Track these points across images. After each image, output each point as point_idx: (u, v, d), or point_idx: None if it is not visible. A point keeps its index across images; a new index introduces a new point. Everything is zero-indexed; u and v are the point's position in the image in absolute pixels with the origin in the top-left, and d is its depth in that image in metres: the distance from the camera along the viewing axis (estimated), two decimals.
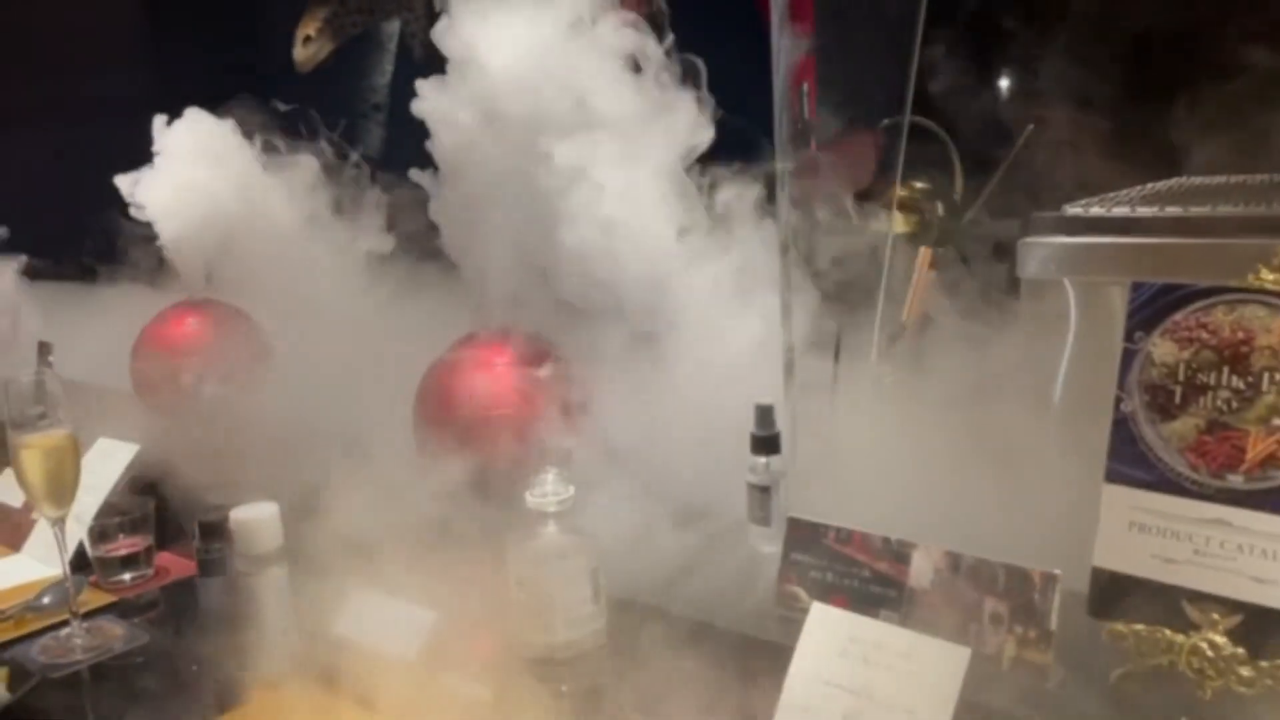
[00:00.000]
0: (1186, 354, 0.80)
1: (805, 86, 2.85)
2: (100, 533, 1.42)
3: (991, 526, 1.06)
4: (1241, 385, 0.78)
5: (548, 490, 0.98)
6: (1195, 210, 1.11)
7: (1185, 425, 0.80)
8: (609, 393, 1.31)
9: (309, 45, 2.81)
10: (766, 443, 1.15)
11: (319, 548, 1.28)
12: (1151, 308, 0.83)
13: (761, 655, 0.97)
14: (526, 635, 0.98)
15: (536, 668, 0.98)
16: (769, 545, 1.12)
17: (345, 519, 1.30)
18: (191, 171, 1.62)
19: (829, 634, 0.93)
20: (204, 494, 1.32)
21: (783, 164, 1.28)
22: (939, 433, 1.40)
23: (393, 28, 2.85)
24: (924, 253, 1.69)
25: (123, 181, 1.65)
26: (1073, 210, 1.18)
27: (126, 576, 1.43)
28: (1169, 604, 0.79)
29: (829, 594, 0.98)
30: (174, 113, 1.72)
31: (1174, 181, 1.38)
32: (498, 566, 1.07)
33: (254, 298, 1.62)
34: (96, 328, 1.76)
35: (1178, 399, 0.80)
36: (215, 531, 1.22)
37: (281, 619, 1.20)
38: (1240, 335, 0.78)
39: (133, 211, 1.66)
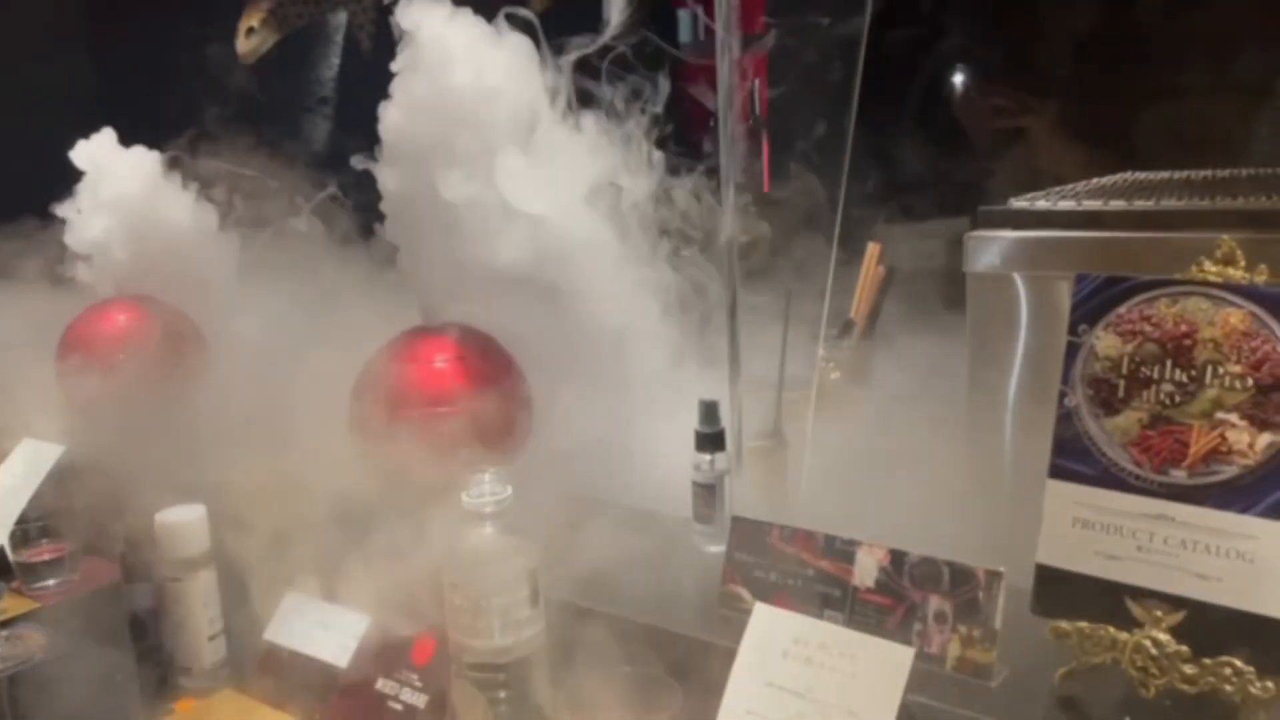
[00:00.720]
0: (1130, 347, 0.79)
1: (756, 82, 2.84)
2: (22, 537, 1.37)
3: (937, 523, 1.05)
4: (1184, 379, 0.76)
5: (485, 491, 0.95)
6: (1140, 204, 1.11)
7: (1128, 419, 0.79)
8: (552, 389, 1.29)
9: (252, 37, 2.75)
10: (711, 440, 1.13)
11: (249, 551, 1.24)
12: (1095, 301, 0.82)
13: (704, 657, 0.95)
14: (463, 639, 0.95)
15: (474, 672, 0.95)
16: (714, 544, 1.10)
17: (277, 521, 1.26)
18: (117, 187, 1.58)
19: (772, 635, 0.91)
20: (131, 496, 1.27)
21: (728, 162, 1.26)
22: (887, 429, 1.39)
23: (339, 19, 2.80)
24: (872, 249, 1.68)
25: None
26: (1019, 204, 1.17)
27: (50, 582, 1.37)
28: (1112, 601, 0.78)
29: (773, 594, 0.96)
30: (106, 105, 1.67)
31: (1119, 176, 1.38)
32: (434, 569, 1.04)
33: (179, 295, 1.57)
34: (19, 325, 1.69)
35: (1121, 393, 0.79)
36: (141, 535, 1.17)
37: (210, 625, 1.16)
38: (1183, 328, 0.77)
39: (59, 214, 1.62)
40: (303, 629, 1.12)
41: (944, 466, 1.18)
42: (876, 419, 1.41)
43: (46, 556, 1.38)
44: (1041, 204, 1.16)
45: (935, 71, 2.24)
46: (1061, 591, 0.81)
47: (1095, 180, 1.30)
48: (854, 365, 1.57)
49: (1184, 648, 0.75)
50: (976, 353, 1.17)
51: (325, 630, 1.10)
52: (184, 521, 1.14)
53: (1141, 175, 1.36)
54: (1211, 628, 0.74)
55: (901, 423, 1.38)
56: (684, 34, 2.78)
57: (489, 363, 1.25)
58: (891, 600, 0.90)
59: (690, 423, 1.14)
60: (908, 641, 0.87)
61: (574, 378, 1.25)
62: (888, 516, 1.09)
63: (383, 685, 1.05)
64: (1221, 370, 0.75)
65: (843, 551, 0.94)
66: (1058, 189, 1.25)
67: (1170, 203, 1.08)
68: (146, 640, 1.19)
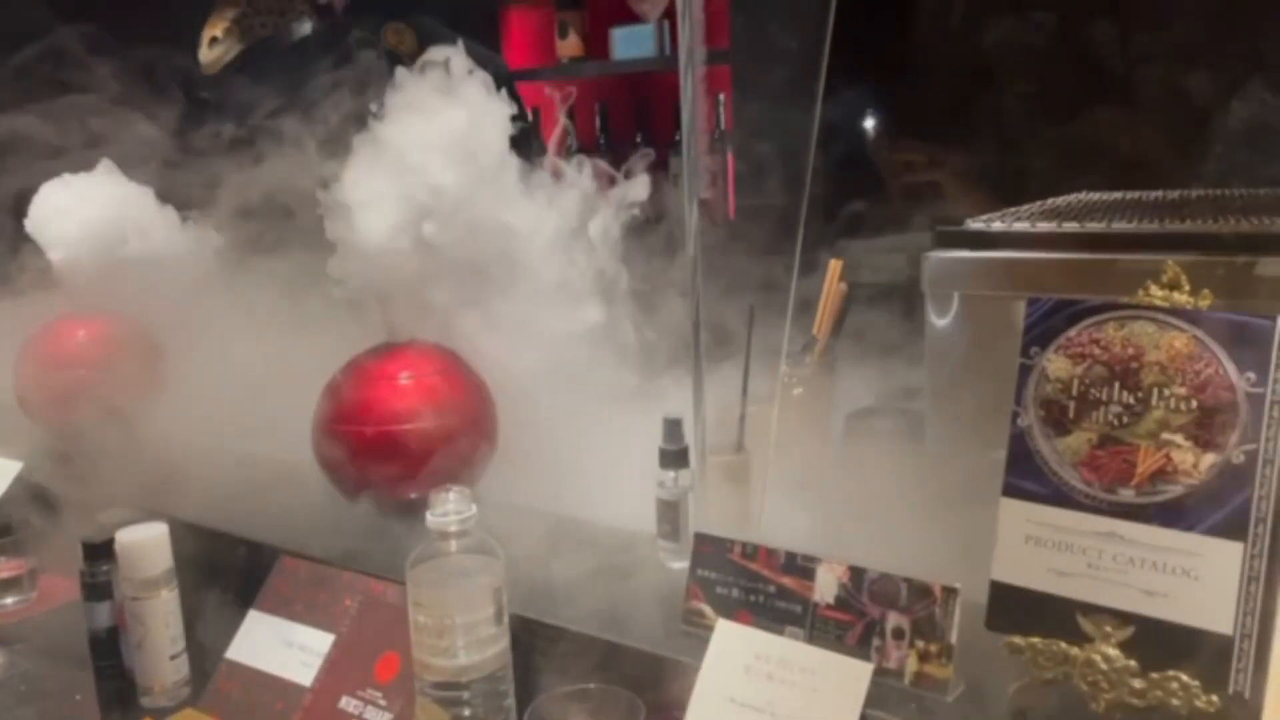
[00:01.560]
0: (1079, 369, 0.81)
1: (721, 97, 2.86)
2: None
3: (897, 540, 1.07)
4: (1132, 400, 0.79)
5: (449, 509, 0.95)
6: (1091, 226, 1.13)
7: (1078, 440, 0.81)
8: (517, 405, 1.29)
9: (215, 47, 2.73)
10: (675, 456, 1.14)
11: (212, 569, 1.24)
12: (1046, 324, 0.84)
13: (668, 674, 0.96)
14: (427, 658, 0.95)
15: (438, 691, 0.95)
16: (678, 561, 1.11)
17: (240, 538, 1.26)
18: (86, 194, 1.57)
19: (734, 651, 0.92)
20: (91, 513, 1.26)
21: (691, 175, 1.28)
22: (848, 445, 1.41)
23: (304, 29, 2.78)
24: (834, 265, 1.70)
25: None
26: (975, 225, 1.20)
27: (8, 601, 1.36)
28: (1064, 617, 0.80)
29: (735, 610, 0.97)
30: (64, 115, 1.65)
31: (1074, 197, 1.42)
32: (399, 587, 1.04)
33: (143, 310, 1.56)
34: None
35: (1071, 414, 0.81)
36: (101, 553, 1.16)
37: (171, 644, 1.15)
38: (1130, 351, 0.79)
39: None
40: (265, 647, 1.11)
41: (904, 483, 1.20)
42: (838, 435, 1.43)
43: (4, 575, 1.36)
44: (997, 225, 1.19)
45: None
46: (1015, 607, 0.83)
47: (1050, 201, 1.33)
48: (816, 381, 1.59)
49: (1133, 662, 0.77)
50: (935, 371, 1.20)
51: (288, 648, 1.10)
52: (145, 540, 1.13)
53: (1095, 196, 1.39)
54: (1159, 643, 0.76)
55: (863, 439, 1.40)
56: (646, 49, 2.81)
57: (454, 379, 1.26)
58: (851, 616, 0.92)
59: (655, 439, 1.16)
60: (866, 657, 0.89)
61: (540, 394, 1.26)
62: (849, 532, 1.11)
63: (346, 704, 1.05)
64: (1167, 392, 0.77)
65: (803, 568, 0.95)
66: (1013, 210, 1.28)
67: (1121, 225, 1.11)
68: (107, 659, 1.18)
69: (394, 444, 1.20)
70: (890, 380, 1.44)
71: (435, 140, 1.17)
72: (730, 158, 2.74)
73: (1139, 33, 1.92)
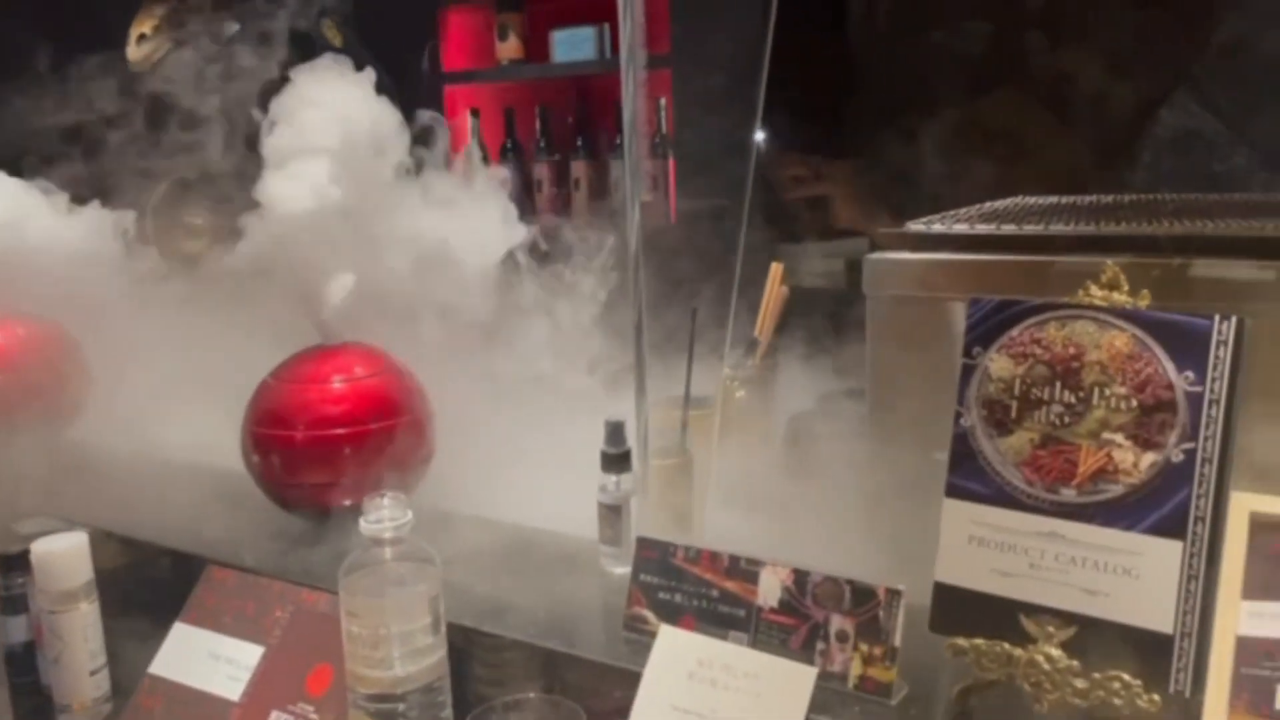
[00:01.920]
0: (1021, 369, 0.81)
1: (663, 101, 2.86)
2: None
3: (842, 542, 1.06)
4: (1073, 400, 0.79)
5: (383, 515, 0.92)
6: (1030, 229, 1.14)
7: (1020, 439, 0.81)
8: (454, 409, 1.27)
9: (144, 44, 2.66)
10: (617, 460, 1.12)
11: (135, 580, 1.19)
12: (988, 324, 0.84)
13: (610, 681, 0.94)
14: (361, 670, 0.92)
15: (373, 703, 0.92)
16: (620, 566, 1.09)
17: (165, 548, 1.21)
18: None
19: (677, 657, 0.90)
20: (5, 524, 1.20)
21: (632, 182, 1.26)
22: (791, 447, 1.40)
23: (233, 27, 2.72)
24: (775, 268, 1.70)
25: None
26: (916, 226, 1.20)
27: None
28: (1007, 618, 0.80)
29: (678, 615, 0.96)
30: None
31: (1012, 200, 1.43)
32: (331, 597, 1.01)
33: (63, 314, 1.50)
34: None
35: (1013, 413, 0.81)
36: (16, 564, 1.11)
37: (92, 659, 1.10)
38: (1071, 350, 0.79)
39: None
40: (191, 661, 1.07)
41: (848, 485, 1.20)
42: (781, 437, 1.43)
43: None
44: (938, 227, 1.19)
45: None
46: (958, 609, 0.82)
47: (988, 204, 1.34)
48: (759, 383, 1.58)
49: (1075, 663, 0.77)
50: (876, 373, 1.19)
51: (215, 661, 1.06)
52: (63, 550, 1.08)
53: (1032, 200, 1.41)
54: (1101, 643, 0.76)
55: (806, 440, 1.39)
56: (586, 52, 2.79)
57: (389, 382, 1.23)
58: (795, 620, 0.91)
59: (598, 443, 1.14)
60: (810, 661, 0.88)
61: (478, 399, 1.23)
62: (793, 534, 1.10)
63: (277, 718, 1.01)
64: (1107, 392, 0.77)
65: (747, 571, 0.94)
66: (953, 212, 1.28)
67: (1059, 227, 1.12)
68: (23, 676, 1.13)
69: (326, 449, 1.16)
70: (834, 382, 1.44)
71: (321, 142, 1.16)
72: (671, 162, 2.74)
73: (1063, 45, 1.95)
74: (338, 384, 1.20)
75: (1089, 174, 1.93)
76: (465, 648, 1.01)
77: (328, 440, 1.17)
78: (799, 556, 0.94)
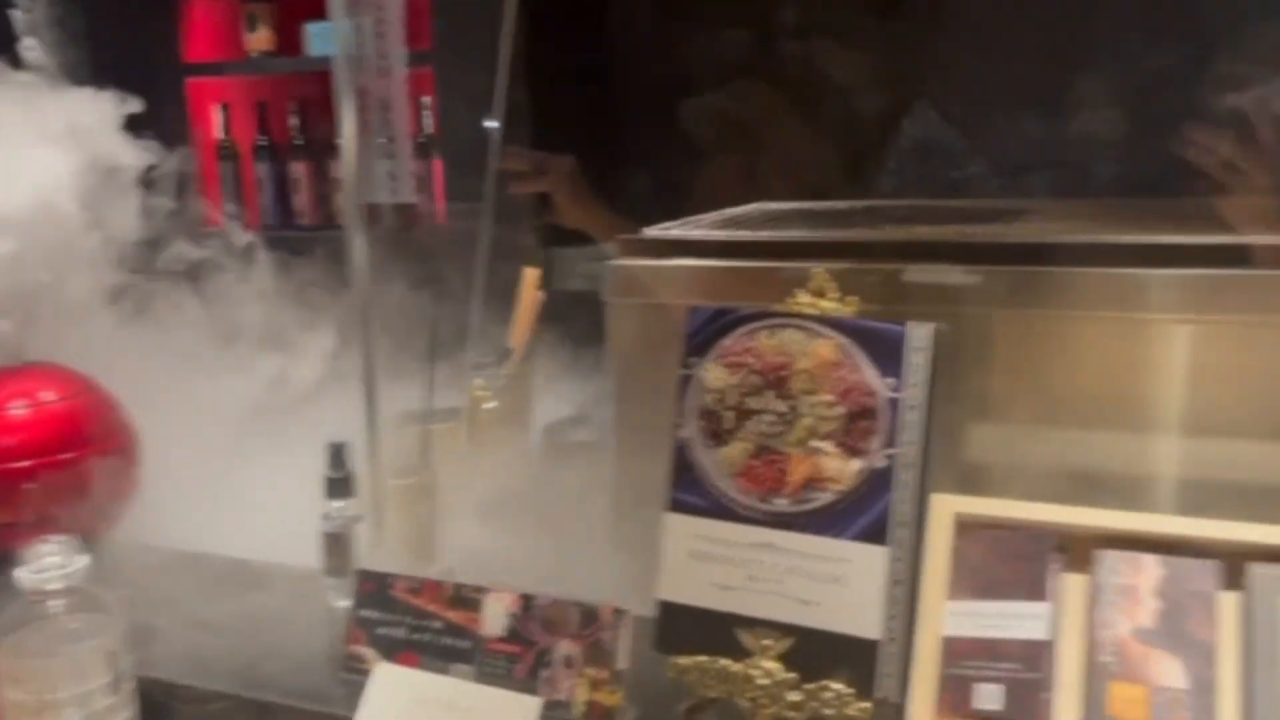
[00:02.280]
0: (735, 379, 0.80)
1: (427, 100, 2.76)
2: None
3: (585, 560, 1.03)
4: (784, 408, 0.78)
5: (50, 564, 0.81)
6: (763, 234, 1.14)
7: (736, 450, 0.79)
8: (169, 434, 1.15)
9: None
10: (339, 485, 1.04)
11: None
12: (705, 333, 0.82)
13: None
14: None
15: None
16: (345, 600, 1.01)
17: None
18: None
19: (393, 697, 0.84)
20: None
21: (358, 184, 1.19)
22: (541, 463, 1.36)
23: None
24: (529, 274, 1.65)
25: None
26: (653, 232, 1.18)
27: None
28: (726, 633, 0.78)
29: (398, 651, 0.89)
30: None
31: (754, 206, 1.44)
32: None
33: None
34: None
35: (729, 424, 0.80)
36: None
37: None
38: (781, 359, 0.78)
39: None
40: None
41: (591, 499, 1.16)
42: (531, 452, 1.38)
43: None
44: (675, 232, 1.18)
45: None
46: (681, 626, 0.80)
47: (728, 210, 1.34)
48: (512, 394, 1.53)
49: (793, 675, 0.76)
50: (619, 383, 1.17)
51: None
52: None
53: (773, 205, 1.42)
54: (816, 653, 0.76)
55: (557, 452, 1.35)
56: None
57: (84, 407, 1.10)
58: (520, 648, 0.86)
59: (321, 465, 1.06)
60: (534, 690, 0.84)
61: (187, 421, 1.12)
62: (540, 552, 1.06)
63: None
64: (815, 400, 0.77)
65: (470, 600, 0.89)
66: (694, 218, 1.27)
67: (786, 233, 1.13)
68: None
69: (2, 485, 1.03)
70: (592, 389, 1.41)
71: None
72: (437, 162, 2.65)
73: (815, 51, 2.01)
74: (18, 410, 1.06)
75: (837, 181, 1.99)
76: (166, 702, 0.91)
77: (4, 475, 1.03)
78: (546, 575, 0.89)
